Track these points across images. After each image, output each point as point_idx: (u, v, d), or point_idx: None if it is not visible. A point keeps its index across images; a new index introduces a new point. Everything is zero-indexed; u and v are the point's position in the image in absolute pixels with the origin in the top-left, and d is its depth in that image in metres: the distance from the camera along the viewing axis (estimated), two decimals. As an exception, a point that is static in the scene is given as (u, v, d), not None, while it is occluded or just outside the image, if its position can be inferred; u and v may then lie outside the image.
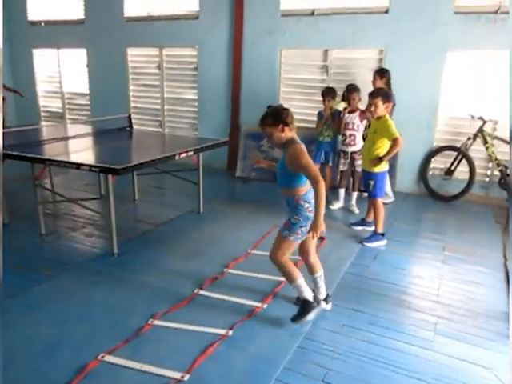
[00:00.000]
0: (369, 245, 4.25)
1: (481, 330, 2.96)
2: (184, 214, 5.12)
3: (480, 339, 2.86)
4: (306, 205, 2.74)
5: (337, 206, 5.36)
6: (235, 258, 3.86)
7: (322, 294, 3.12)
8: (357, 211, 5.18)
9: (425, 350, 2.72)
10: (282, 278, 3.48)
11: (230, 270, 3.65)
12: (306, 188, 2.75)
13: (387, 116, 4.12)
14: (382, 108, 4.05)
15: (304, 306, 2.92)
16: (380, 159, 4.08)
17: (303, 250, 3.04)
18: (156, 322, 2.91)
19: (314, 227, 2.64)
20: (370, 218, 4.58)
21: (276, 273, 3.56)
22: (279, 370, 2.49)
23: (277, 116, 2.69)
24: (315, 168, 2.64)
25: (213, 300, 3.18)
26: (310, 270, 3.10)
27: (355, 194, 5.30)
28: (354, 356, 2.64)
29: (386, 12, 5.84)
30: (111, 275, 3.58)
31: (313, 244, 3.03)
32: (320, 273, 3.10)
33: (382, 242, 4.29)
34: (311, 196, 2.73)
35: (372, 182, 4.20)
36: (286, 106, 6.78)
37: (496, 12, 5.31)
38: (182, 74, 7.49)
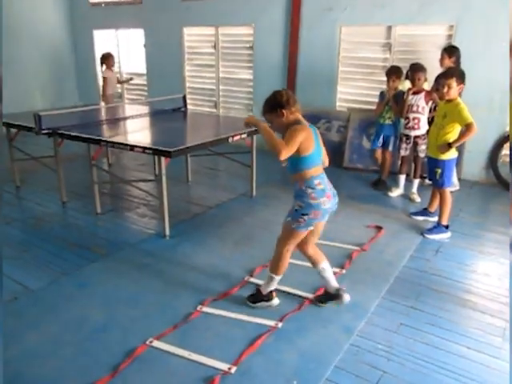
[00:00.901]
0: (431, 237, 3.97)
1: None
2: (236, 197, 5.05)
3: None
4: (309, 190, 2.55)
5: (396, 193, 5.07)
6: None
7: (333, 287, 2.89)
8: (418, 200, 4.86)
9: (492, 358, 2.48)
10: (336, 269, 3.34)
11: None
12: (310, 172, 2.56)
13: (459, 99, 3.77)
14: (455, 90, 3.71)
15: (258, 295, 2.87)
16: (449, 146, 3.75)
17: (301, 240, 2.80)
18: (204, 309, 2.86)
19: (249, 118, 2.69)
20: (433, 208, 4.28)
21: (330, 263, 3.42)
22: (330, 369, 2.36)
23: (273, 101, 2.55)
24: (291, 145, 2.43)
25: (263, 289, 3.08)
26: (312, 262, 2.88)
27: (417, 182, 4.97)
28: (411, 359, 2.45)
29: (459, -17, 5.35)
30: (162, 257, 3.58)
31: (314, 237, 2.81)
32: (323, 264, 2.86)
33: (446, 235, 3.99)
34: (317, 182, 2.56)
35: (439, 170, 3.88)
36: (345, 86, 6.49)
37: None
38: (238, 53, 7.35)
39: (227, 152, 5.31)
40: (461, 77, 3.81)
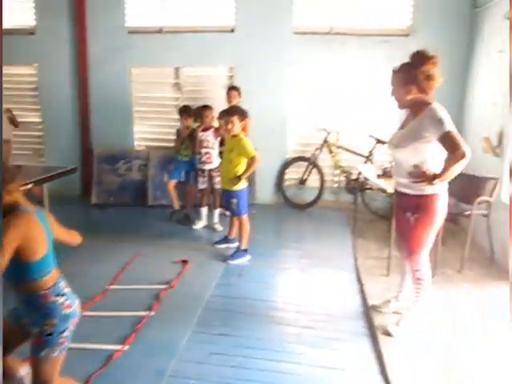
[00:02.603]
0: (233, 262, 4.24)
1: (339, 332, 3.10)
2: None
3: (338, 342, 2.98)
4: (61, 299, 1.99)
5: (199, 225, 5.29)
6: (92, 296, 3.48)
7: None
8: (220, 228, 5.16)
9: (293, 365, 2.73)
10: (144, 313, 3.28)
11: (86, 313, 3.29)
12: (53, 276, 1.99)
13: (242, 134, 4.19)
14: (238, 126, 4.11)
15: None
16: (239, 178, 4.11)
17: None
18: None
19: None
20: (232, 235, 4.60)
21: (137, 309, 3.34)
22: (143, 419, 2.28)
23: None
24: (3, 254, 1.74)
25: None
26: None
27: (217, 212, 5.28)
28: (221, 385, 2.55)
29: (232, 31, 6.00)
30: None
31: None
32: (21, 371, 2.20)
33: (246, 258, 4.31)
34: (63, 285, 2.04)
35: (235, 201, 4.20)
36: (141, 125, 6.47)
37: (329, 33, 5.82)
38: (20, 94, 6.72)
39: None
40: (242, 114, 4.25)
